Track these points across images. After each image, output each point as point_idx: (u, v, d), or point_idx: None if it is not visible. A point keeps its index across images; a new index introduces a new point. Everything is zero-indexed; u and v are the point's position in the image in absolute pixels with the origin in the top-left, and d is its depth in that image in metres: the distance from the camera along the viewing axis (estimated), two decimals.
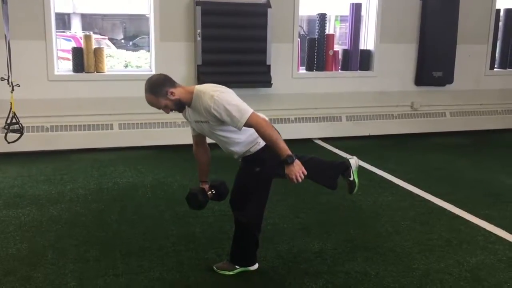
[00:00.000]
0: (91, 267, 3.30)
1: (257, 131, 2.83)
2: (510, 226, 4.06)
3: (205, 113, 2.86)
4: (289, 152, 2.79)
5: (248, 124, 2.81)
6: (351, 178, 3.46)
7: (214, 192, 3.25)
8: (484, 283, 3.18)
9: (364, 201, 4.61)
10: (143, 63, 8.34)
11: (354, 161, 3.50)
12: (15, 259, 3.39)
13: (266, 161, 3.03)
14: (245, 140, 3.02)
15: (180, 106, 2.93)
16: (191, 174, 5.24)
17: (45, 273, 3.21)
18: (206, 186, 3.26)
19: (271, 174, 3.10)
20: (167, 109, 2.94)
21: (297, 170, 2.79)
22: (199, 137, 3.17)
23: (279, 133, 2.89)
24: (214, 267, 3.29)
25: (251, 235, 3.20)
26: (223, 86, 2.93)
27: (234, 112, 2.79)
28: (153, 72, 6.35)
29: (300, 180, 2.81)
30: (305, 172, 2.82)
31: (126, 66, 8.48)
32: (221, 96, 2.81)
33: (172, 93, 2.87)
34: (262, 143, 3.01)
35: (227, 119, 2.82)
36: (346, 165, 3.47)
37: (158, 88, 2.86)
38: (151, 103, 2.91)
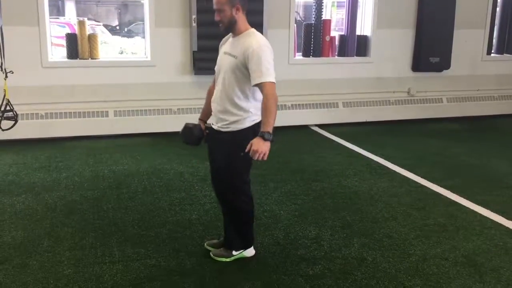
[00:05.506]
0: (87, 254, 3.29)
1: (264, 97, 2.84)
2: (506, 211, 4.07)
3: (241, 49, 2.91)
4: (271, 131, 2.79)
5: (262, 87, 2.83)
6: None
7: (208, 132, 3.18)
8: (481, 268, 3.18)
9: (360, 187, 4.61)
10: (138, 49, 8.29)
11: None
12: (11, 247, 3.38)
13: (243, 146, 2.95)
14: (241, 105, 2.96)
15: (231, 27, 2.99)
16: (187, 161, 5.23)
17: (41, 260, 3.20)
18: (203, 125, 3.23)
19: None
20: (221, 17, 2.96)
21: (264, 149, 2.78)
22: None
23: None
24: (211, 254, 3.28)
25: (243, 212, 3.17)
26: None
27: (263, 67, 2.83)
28: (149, 59, 6.31)
29: (259, 159, 2.78)
30: (266, 158, 2.79)
31: (121, 52, 8.43)
32: (265, 50, 2.88)
33: (238, 10, 2.93)
34: (247, 123, 2.98)
35: (252, 67, 2.84)
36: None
37: None
38: (218, 1, 2.94)
